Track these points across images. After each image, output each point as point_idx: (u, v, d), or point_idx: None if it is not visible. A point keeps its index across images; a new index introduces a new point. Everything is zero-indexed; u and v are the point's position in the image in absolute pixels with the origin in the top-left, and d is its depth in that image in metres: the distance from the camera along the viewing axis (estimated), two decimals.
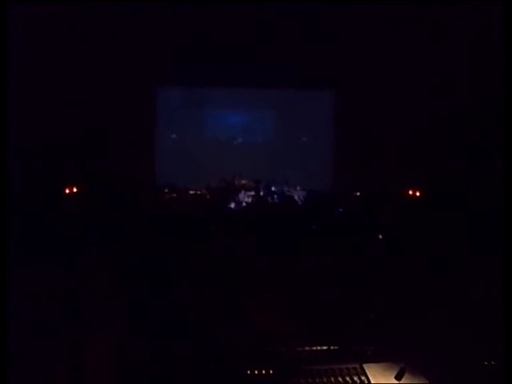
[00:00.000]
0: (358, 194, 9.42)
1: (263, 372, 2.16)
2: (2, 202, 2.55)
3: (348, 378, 2.14)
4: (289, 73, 9.53)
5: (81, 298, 2.86)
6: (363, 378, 2.15)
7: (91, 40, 8.61)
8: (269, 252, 4.31)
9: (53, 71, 8.25)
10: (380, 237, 6.10)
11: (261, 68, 9.43)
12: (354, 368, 2.21)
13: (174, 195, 9.47)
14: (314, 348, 2.36)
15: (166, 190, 9.56)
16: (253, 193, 9.62)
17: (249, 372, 2.17)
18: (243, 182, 9.91)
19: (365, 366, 2.25)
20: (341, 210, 8.20)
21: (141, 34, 8.82)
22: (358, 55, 9.14)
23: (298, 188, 9.84)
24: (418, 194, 8.85)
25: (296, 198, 9.46)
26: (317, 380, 2.12)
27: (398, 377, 2.13)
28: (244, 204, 9.42)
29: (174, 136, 10.77)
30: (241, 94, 10.55)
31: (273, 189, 9.77)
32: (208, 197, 9.62)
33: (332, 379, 2.13)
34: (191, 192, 9.65)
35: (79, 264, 3.49)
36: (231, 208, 9.22)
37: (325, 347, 2.37)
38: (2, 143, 2.60)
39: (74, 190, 8.65)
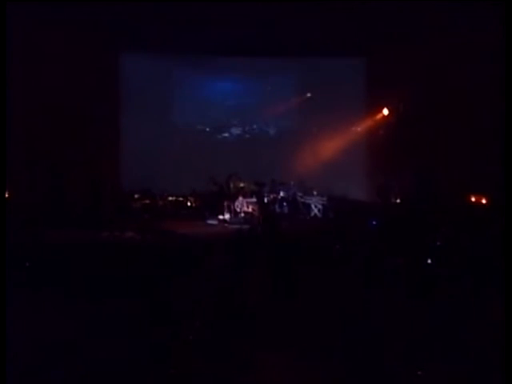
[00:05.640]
0: (399, 201, 7.53)
1: None
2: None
3: None
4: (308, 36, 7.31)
5: None
6: None
7: None
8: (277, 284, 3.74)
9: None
10: (429, 261, 4.93)
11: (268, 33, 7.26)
12: None
13: (147, 202, 7.45)
14: None
15: (136, 196, 7.56)
16: (254, 199, 7.53)
17: None
18: (241, 184, 7.80)
19: None
20: (374, 222, 6.30)
21: None
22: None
23: (315, 193, 7.82)
24: (484, 201, 6.91)
25: (313, 206, 7.54)
26: None
27: None
28: (242, 214, 7.34)
29: (146, 123, 8.35)
30: (241, 64, 8.37)
31: (281, 194, 7.73)
32: (193, 205, 7.58)
33: None
34: (170, 198, 7.72)
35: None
36: (225, 220, 7.20)
37: None
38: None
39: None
